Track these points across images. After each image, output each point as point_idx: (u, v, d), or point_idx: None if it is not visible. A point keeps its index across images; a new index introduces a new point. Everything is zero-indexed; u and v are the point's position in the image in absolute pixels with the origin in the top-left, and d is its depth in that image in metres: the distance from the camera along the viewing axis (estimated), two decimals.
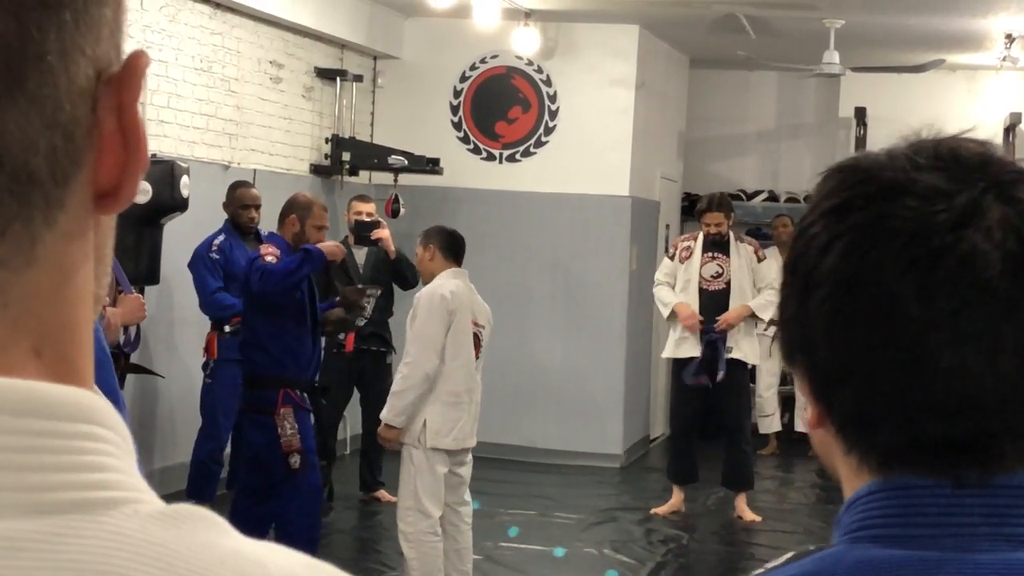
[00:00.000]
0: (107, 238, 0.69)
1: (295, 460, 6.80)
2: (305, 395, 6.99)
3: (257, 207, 8.50)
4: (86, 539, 0.60)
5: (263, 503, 6.94)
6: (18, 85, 0.62)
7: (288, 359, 6.90)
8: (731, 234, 9.47)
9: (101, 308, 0.70)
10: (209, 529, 0.64)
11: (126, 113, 0.66)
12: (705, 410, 9.51)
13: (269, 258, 6.87)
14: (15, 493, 0.60)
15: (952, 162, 1.07)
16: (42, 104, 0.62)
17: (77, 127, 0.64)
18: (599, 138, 11.28)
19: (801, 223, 1.12)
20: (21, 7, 0.62)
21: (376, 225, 9.13)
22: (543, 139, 11.47)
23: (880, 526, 1.06)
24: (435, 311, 6.54)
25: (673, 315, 9.41)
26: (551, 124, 11.45)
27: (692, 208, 11.34)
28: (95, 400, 0.65)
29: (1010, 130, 12.45)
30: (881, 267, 1.04)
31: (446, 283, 6.62)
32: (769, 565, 1.11)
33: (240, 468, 7.44)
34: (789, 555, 1.11)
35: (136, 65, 0.67)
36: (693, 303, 9.34)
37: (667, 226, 12.75)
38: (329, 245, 7.10)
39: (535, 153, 11.48)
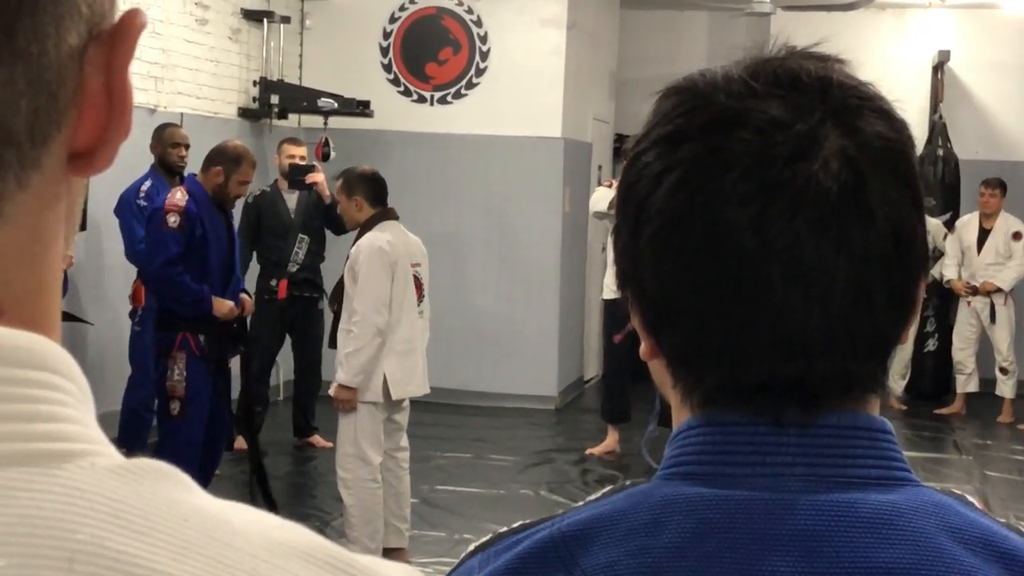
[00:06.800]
0: (78, 199, 0.65)
1: (174, 407, 6.69)
2: (202, 339, 6.76)
3: (186, 146, 8.37)
4: (37, 493, 0.56)
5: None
6: (6, 41, 0.57)
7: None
8: None
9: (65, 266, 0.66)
10: (171, 485, 0.60)
11: (116, 74, 0.62)
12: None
13: (171, 218, 6.66)
14: None
15: (791, 88, 1.01)
16: (29, 62, 0.58)
17: (62, 87, 0.60)
18: (530, 79, 11.22)
19: (634, 147, 1.06)
20: None
21: (311, 169, 9.06)
22: (474, 81, 11.38)
23: (694, 463, 1.02)
24: (376, 264, 6.41)
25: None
26: (482, 66, 11.37)
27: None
28: (51, 346, 0.60)
29: (938, 68, 12.51)
30: (713, 202, 0.98)
31: (381, 234, 6.50)
32: (589, 499, 1.07)
33: None
34: (606, 489, 1.07)
35: (131, 24, 0.63)
36: None
37: (599, 167, 12.73)
38: (222, 308, 6.78)
39: (466, 95, 11.39)
